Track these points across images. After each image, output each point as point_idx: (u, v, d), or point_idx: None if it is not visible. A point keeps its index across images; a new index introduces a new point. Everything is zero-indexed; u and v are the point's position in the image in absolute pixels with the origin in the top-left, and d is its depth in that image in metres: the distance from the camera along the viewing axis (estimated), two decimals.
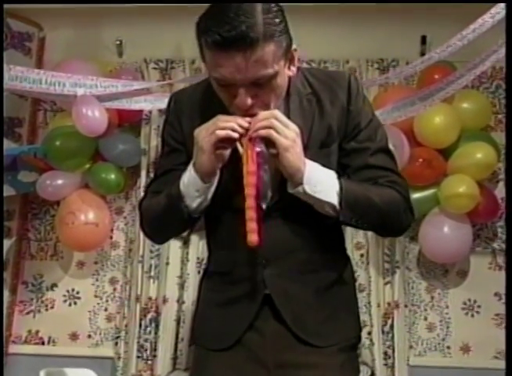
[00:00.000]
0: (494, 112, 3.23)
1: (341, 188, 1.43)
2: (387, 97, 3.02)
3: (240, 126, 1.38)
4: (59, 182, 3.14)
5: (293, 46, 1.43)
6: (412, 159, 2.91)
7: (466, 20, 2.52)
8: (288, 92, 1.50)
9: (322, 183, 1.42)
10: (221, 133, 1.38)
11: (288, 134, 1.38)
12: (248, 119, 1.39)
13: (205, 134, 1.40)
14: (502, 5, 2.19)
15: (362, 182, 1.50)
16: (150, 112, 3.28)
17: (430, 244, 3.02)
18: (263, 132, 1.37)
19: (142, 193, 3.11)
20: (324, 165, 1.47)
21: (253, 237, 1.34)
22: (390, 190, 1.49)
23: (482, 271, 3.17)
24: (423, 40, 3.29)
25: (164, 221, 1.56)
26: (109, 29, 3.46)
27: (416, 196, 2.98)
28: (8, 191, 3.18)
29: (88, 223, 3.11)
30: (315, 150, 1.49)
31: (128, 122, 3.30)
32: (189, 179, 1.46)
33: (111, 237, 3.35)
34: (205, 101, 1.54)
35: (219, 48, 1.31)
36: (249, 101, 1.37)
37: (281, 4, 1.41)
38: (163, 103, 3.08)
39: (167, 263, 3.17)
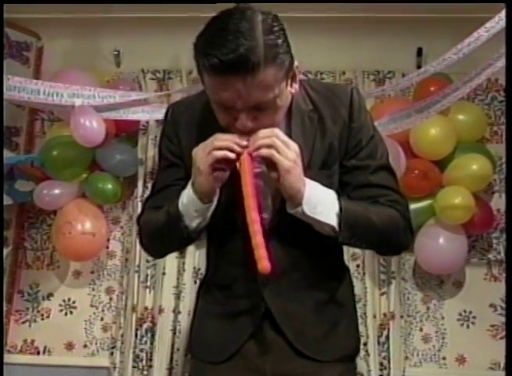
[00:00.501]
0: (489, 124, 3.25)
1: (341, 209, 1.41)
2: (383, 109, 3.04)
3: (239, 145, 1.35)
4: (56, 191, 3.15)
5: (295, 63, 1.40)
6: (408, 170, 2.92)
7: (462, 32, 2.53)
8: (290, 108, 1.47)
9: (321, 204, 1.40)
10: (219, 154, 1.35)
11: (289, 154, 1.34)
12: (247, 137, 1.36)
13: (202, 154, 1.37)
14: (497, 18, 2.21)
15: (363, 200, 1.49)
16: (147, 122, 3.29)
17: (425, 255, 3.03)
18: (264, 152, 1.34)
19: (140, 205, 3.22)
20: (326, 186, 1.45)
21: (264, 264, 1.27)
22: (390, 210, 1.48)
23: (478, 282, 3.18)
24: (419, 52, 3.31)
25: (162, 238, 1.54)
26: (107, 39, 3.48)
27: (411, 207, 2.93)
28: (5, 200, 3.17)
29: (84, 233, 3.11)
30: (316, 170, 1.48)
31: (125, 132, 3.31)
32: (187, 199, 1.43)
33: (107, 247, 3.35)
34: (203, 114, 1.52)
35: (218, 73, 1.27)
36: (250, 124, 1.35)
37: (278, 15, 1.37)
38: (160, 114, 3.08)
39: (164, 273, 3.17)
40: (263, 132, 1.35)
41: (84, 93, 2.85)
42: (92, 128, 2.87)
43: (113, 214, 3.38)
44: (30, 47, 3.49)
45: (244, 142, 1.36)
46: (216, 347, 1.56)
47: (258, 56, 1.26)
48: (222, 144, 1.35)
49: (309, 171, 1.44)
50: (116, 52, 3.44)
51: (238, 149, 1.35)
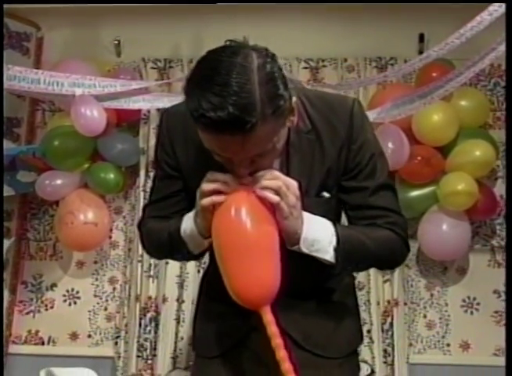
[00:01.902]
0: (492, 109, 3.23)
1: (338, 243, 1.38)
2: (385, 95, 3.03)
3: (230, 183, 1.30)
4: (58, 181, 3.14)
5: (294, 99, 1.29)
6: (410, 157, 2.91)
7: (464, 18, 2.51)
8: (288, 135, 1.39)
9: (318, 242, 1.36)
10: (205, 203, 1.30)
11: (290, 200, 1.30)
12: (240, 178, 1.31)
13: (198, 196, 1.33)
14: (499, 3, 2.18)
15: (361, 220, 1.47)
16: (149, 111, 3.28)
17: (429, 241, 3.03)
18: (270, 197, 1.28)
19: (142, 194, 3.23)
20: (323, 211, 1.43)
21: None
22: (387, 233, 1.46)
23: (481, 268, 3.17)
24: (421, 38, 3.29)
25: (166, 254, 1.58)
26: (107, 28, 3.46)
27: (414, 194, 2.99)
28: (7, 191, 3.16)
29: (87, 223, 3.10)
30: (313, 197, 1.45)
31: (127, 122, 3.30)
32: (190, 231, 1.41)
33: (110, 237, 3.35)
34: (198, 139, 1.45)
35: (210, 132, 1.19)
36: (247, 171, 1.30)
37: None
38: (161, 103, 3.10)
39: (167, 262, 3.15)
40: (267, 175, 1.30)
41: (84, 82, 2.83)
42: (93, 117, 2.86)
43: (116, 204, 3.37)
44: (30, 37, 3.47)
45: (235, 185, 1.30)
46: (217, 341, 1.56)
47: (255, 114, 1.15)
48: (209, 189, 1.30)
49: (306, 197, 1.39)
50: (116, 42, 3.43)
51: (228, 190, 1.29)
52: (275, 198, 1.28)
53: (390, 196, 1.50)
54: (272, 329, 1.27)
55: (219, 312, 1.56)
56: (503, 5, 2.10)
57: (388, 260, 1.50)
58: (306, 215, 1.37)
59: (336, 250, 1.37)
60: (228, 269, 1.29)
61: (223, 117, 1.12)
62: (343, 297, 1.61)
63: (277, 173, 1.32)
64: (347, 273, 1.67)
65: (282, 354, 1.26)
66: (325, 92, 1.68)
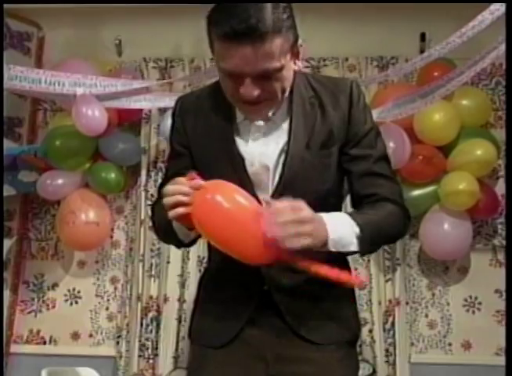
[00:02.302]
0: (493, 109, 3.23)
1: (361, 231, 1.42)
2: (386, 94, 3.03)
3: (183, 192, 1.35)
4: (60, 181, 3.14)
5: (299, 41, 1.46)
6: (412, 156, 2.91)
7: (466, 17, 2.52)
8: (291, 94, 1.51)
9: (344, 238, 1.40)
10: (172, 216, 1.36)
11: (308, 229, 1.31)
12: (189, 183, 1.35)
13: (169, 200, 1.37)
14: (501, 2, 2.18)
15: (366, 189, 1.53)
16: (150, 111, 3.29)
17: (430, 241, 3.03)
18: (296, 244, 1.30)
19: (143, 194, 3.22)
20: (324, 165, 1.50)
21: (356, 281, 1.39)
22: (392, 207, 1.51)
23: (483, 268, 3.17)
24: (423, 37, 3.29)
25: (166, 238, 1.63)
26: (109, 28, 3.47)
27: (416, 193, 2.99)
28: (8, 191, 3.17)
29: (88, 223, 3.11)
30: (316, 150, 1.51)
31: (128, 121, 3.31)
32: (176, 224, 1.47)
33: (112, 236, 3.35)
34: (210, 103, 1.57)
35: (229, 40, 1.34)
36: (256, 92, 1.40)
37: (279, 3, 1.40)
38: (162, 102, 3.10)
39: (168, 262, 3.17)
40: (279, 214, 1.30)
41: (86, 82, 2.84)
42: (94, 117, 2.86)
43: (117, 203, 3.38)
44: (31, 37, 3.48)
45: (186, 189, 1.35)
46: (216, 331, 1.56)
47: (267, 26, 1.33)
48: (170, 203, 1.36)
49: (308, 150, 1.49)
50: (117, 42, 3.43)
51: (185, 199, 1.34)
52: (298, 243, 1.30)
53: (388, 166, 1.59)
54: (302, 262, 1.32)
55: (221, 300, 1.56)
56: (504, 5, 2.10)
57: (396, 234, 1.58)
58: (325, 216, 1.39)
59: (360, 238, 1.42)
60: (230, 248, 1.35)
61: (243, 27, 1.31)
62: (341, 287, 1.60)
63: (286, 215, 1.31)
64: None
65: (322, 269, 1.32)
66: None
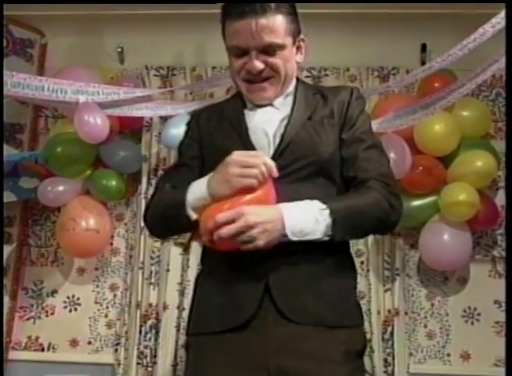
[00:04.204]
0: (494, 120, 3.24)
1: (332, 216, 1.47)
2: (387, 105, 3.03)
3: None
4: (60, 188, 3.14)
5: (301, 35, 1.66)
6: (412, 167, 2.91)
7: (466, 28, 2.53)
8: (296, 90, 1.68)
9: (304, 228, 1.46)
10: (246, 182, 1.45)
11: (254, 233, 1.42)
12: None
13: (236, 172, 1.45)
14: (503, 14, 2.20)
15: (356, 172, 1.59)
16: (151, 119, 3.29)
17: (430, 251, 3.03)
18: (252, 247, 1.43)
19: (144, 202, 3.22)
20: (326, 132, 1.61)
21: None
22: (374, 191, 1.56)
23: (482, 279, 3.17)
24: (424, 48, 3.31)
25: (162, 218, 1.62)
26: (111, 36, 3.48)
27: (416, 203, 2.99)
28: (9, 197, 3.18)
29: (88, 230, 3.10)
30: (317, 120, 1.63)
31: (129, 129, 3.31)
32: (200, 194, 1.51)
33: (111, 244, 3.35)
34: (224, 105, 1.77)
35: (238, 18, 1.54)
36: (260, 65, 1.57)
37: None
38: (164, 110, 3.11)
39: (168, 270, 3.17)
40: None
41: (88, 90, 2.84)
42: (96, 124, 2.87)
43: (117, 211, 3.38)
44: (33, 44, 3.49)
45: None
46: (219, 317, 1.55)
47: (270, 5, 1.55)
48: (251, 173, 1.45)
49: (310, 121, 1.62)
50: (119, 49, 3.45)
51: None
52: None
53: (382, 157, 1.65)
54: None
55: (223, 294, 1.55)
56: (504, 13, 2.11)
57: (381, 218, 1.56)
58: (285, 206, 1.46)
59: (331, 224, 1.46)
60: None
61: (251, 6, 1.53)
62: (342, 277, 1.60)
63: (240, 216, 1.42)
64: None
65: None
66: None
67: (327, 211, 1.47)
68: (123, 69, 3.47)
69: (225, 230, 1.40)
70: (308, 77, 3.33)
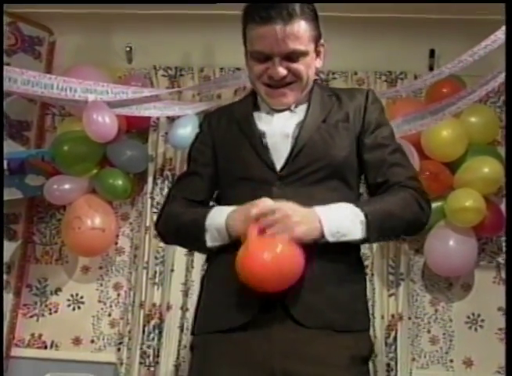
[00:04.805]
0: (501, 126, 3.23)
1: (366, 216, 1.49)
2: (395, 109, 3.03)
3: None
4: (67, 186, 3.15)
5: (321, 41, 1.64)
6: (419, 172, 2.91)
7: (475, 34, 2.54)
8: (311, 92, 1.66)
9: (342, 227, 1.48)
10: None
11: (296, 219, 1.45)
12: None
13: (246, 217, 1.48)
14: None
15: (383, 178, 1.60)
16: (158, 119, 3.30)
17: (435, 256, 3.03)
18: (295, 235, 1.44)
19: (150, 201, 3.23)
20: (341, 135, 1.60)
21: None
22: (405, 192, 1.58)
23: (486, 285, 3.17)
24: (432, 53, 3.30)
25: (180, 236, 1.65)
26: (119, 35, 3.49)
27: None
28: (15, 194, 3.18)
29: (94, 228, 3.11)
30: (332, 123, 1.62)
31: (136, 128, 3.31)
32: (218, 226, 1.53)
33: (116, 243, 3.35)
34: (235, 107, 1.76)
35: (263, 22, 1.52)
36: (283, 71, 1.55)
37: None
38: (172, 111, 3.12)
39: (172, 270, 3.17)
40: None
41: (97, 89, 2.85)
42: (105, 123, 2.87)
43: (123, 210, 3.38)
44: (42, 42, 3.49)
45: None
46: (225, 315, 1.54)
47: (296, 11, 1.53)
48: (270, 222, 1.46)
49: (325, 123, 1.61)
50: (128, 49, 3.45)
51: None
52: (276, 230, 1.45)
53: (406, 159, 1.67)
54: None
55: (229, 293, 1.54)
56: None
57: (412, 218, 1.58)
58: (318, 208, 1.48)
59: (366, 225, 1.48)
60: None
61: (276, 10, 1.51)
62: (353, 279, 1.59)
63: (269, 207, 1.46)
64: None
65: None
66: None
67: (362, 214, 1.49)
68: (131, 68, 3.48)
69: (266, 219, 1.44)
70: (315, 80, 3.32)
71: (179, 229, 1.63)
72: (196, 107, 3.16)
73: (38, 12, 3.40)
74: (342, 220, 1.48)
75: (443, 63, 3.03)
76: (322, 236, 1.46)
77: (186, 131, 2.97)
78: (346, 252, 1.56)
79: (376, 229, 1.49)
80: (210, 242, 1.56)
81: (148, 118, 3.26)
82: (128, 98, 2.96)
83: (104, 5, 3.29)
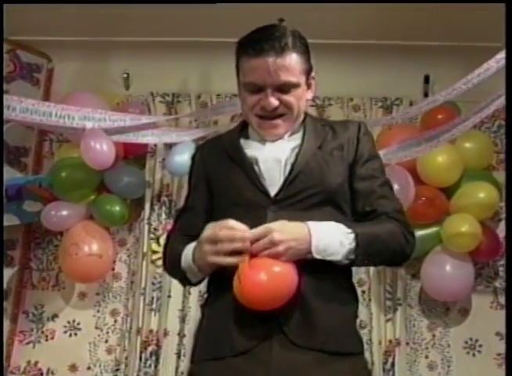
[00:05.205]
0: (496, 152, 3.27)
1: (356, 240, 1.50)
2: (391, 135, 3.06)
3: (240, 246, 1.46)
4: (64, 212, 3.16)
5: (313, 73, 1.66)
6: (415, 197, 2.93)
7: (469, 61, 2.57)
8: (304, 122, 1.69)
9: (328, 247, 1.49)
10: (227, 262, 1.47)
11: (281, 249, 1.45)
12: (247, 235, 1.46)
13: (209, 249, 1.48)
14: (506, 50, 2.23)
15: (371, 207, 1.62)
16: (155, 145, 3.32)
17: (431, 281, 3.03)
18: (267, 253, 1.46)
19: (147, 227, 3.22)
20: (336, 162, 1.62)
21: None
22: (392, 222, 1.59)
23: (484, 310, 3.17)
24: (427, 79, 3.34)
25: (176, 274, 1.68)
26: (117, 62, 3.52)
27: (418, 234, 2.94)
28: (12, 220, 3.19)
29: (91, 254, 3.11)
30: (328, 150, 1.64)
31: (133, 155, 3.33)
32: (188, 264, 1.57)
33: (113, 269, 3.35)
34: (226, 138, 1.77)
35: (255, 55, 1.56)
36: (275, 102, 1.58)
37: None
38: (169, 137, 3.14)
39: (169, 296, 3.17)
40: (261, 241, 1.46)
41: (95, 116, 2.87)
42: (102, 151, 2.89)
43: (120, 236, 3.38)
44: (40, 68, 3.53)
45: (244, 244, 1.46)
46: (226, 342, 1.52)
47: (288, 44, 1.57)
48: (228, 248, 1.47)
49: (320, 150, 1.64)
50: (125, 75, 3.48)
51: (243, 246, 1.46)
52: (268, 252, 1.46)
53: (393, 193, 1.70)
54: None
55: (231, 320, 1.53)
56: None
57: (397, 248, 1.59)
58: (312, 224, 1.50)
59: (354, 247, 1.50)
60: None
61: (268, 43, 1.55)
62: (344, 301, 1.59)
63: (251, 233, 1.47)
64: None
65: None
66: None
67: (352, 236, 1.51)
68: (128, 95, 3.50)
69: (254, 246, 1.46)
70: (312, 106, 3.36)
71: (173, 268, 1.68)
72: (193, 134, 3.18)
73: (37, 40, 3.44)
74: (331, 239, 1.50)
75: (438, 89, 3.07)
76: (310, 252, 1.49)
77: (183, 158, 2.97)
78: (339, 276, 1.58)
79: (363, 252, 1.51)
80: (192, 278, 1.60)
81: (145, 145, 3.28)
82: (126, 125, 2.97)
83: (101, 32, 3.33)
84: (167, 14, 3.21)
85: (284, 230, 1.47)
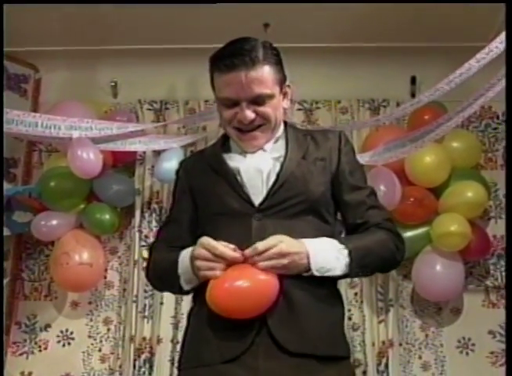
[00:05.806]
0: (483, 150, 3.28)
1: (350, 256, 1.52)
2: (378, 137, 3.07)
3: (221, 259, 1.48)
4: (54, 222, 3.16)
5: (287, 82, 1.67)
6: (403, 198, 2.94)
7: (454, 61, 2.57)
8: (285, 132, 1.71)
9: (326, 264, 1.52)
10: (202, 276, 1.50)
11: (285, 261, 1.47)
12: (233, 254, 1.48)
13: (202, 265, 1.50)
14: (487, 50, 2.24)
15: (361, 216, 1.64)
16: (144, 152, 3.32)
17: (423, 282, 3.04)
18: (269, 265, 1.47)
19: (138, 235, 3.22)
20: (319, 172, 1.64)
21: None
22: (383, 232, 1.62)
23: (476, 308, 3.17)
24: (413, 80, 3.36)
25: (163, 282, 1.68)
26: (104, 70, 3.53)
27: (408, 234, 3.00)
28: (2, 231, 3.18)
29: (82, 263, 3.11)
30: (311, 160, 1.66)
31: (122, 163, 3.33)
32: (185, 269, 1.55)
33: (105, 277, 3.35)
34: (209, 151, 1.80)
35: (227, 70, 1.56)
36: (251, 115, 1.59)
37: (274, 45, 1.64)
38: (157, 145, 3.14)
39: (162, 303, 3.17)
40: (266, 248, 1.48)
41: (81, 125, 2.87)
42: (89, 160, 2.89)
43: (111, 244, 3.38)
44: (28, 79, 3.53)
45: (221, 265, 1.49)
46: (214, 349, 1.52)
47: (259, 57, 1.58)
48: (204, 266, 1.50)
49: (304, 160, 1.66)
50: (113, 83, 3.49)
51: (219, 268, 1.49)
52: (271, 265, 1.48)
53: (378, 200, 1.73)
54: None
55: (218, 328, 1.53)
56: (491, 53, 2.16)
57: (390, 257, 1.63)
58: (308, 242, 1.52)
59: (349, 262, 1.52)
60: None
61: (238, 57, 1.55)
62: (332, 306, 1.61)
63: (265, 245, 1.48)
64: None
65: None
66: None
67: (346, 251, 1.54)
68: (116, 103, 3.51)
69: (263, 256, 1.47)
70: (299, 109, 3.38)
71: (161, 276, 1.67)
72: (182, 140, 3.18)
73: (24, 51, 3.44)
74: (328, 256, 1.52)
75: (425, 90, 3.07)
76: (308, 269, 1.51)
77: (172, 164, 2.97)
78: (325, 282, 1.57)
79: (357, 266, 1.53)
80: (185, 285, 1.59)
81: (134, 152, 3.28)
82: (113, 133, 2.97)
83: (88, 41, 3.34)
84: (153, 22, 3.22)
85: (289, 244, 1.49)
